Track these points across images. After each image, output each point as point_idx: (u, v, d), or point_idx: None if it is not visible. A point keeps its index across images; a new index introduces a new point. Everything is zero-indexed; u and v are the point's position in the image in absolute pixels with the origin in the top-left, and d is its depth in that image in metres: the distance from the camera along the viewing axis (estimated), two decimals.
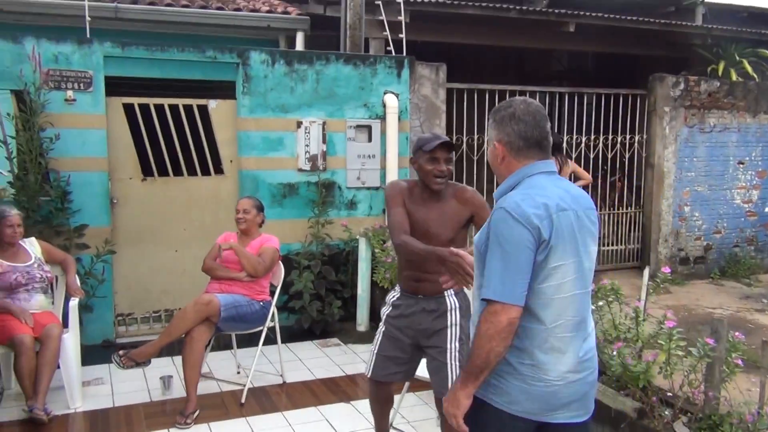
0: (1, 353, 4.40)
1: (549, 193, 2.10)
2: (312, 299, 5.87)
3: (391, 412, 3.69)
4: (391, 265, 5.45)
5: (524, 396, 2.11)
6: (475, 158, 7.25)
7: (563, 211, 2.09)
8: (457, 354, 3.11)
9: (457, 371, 3.05)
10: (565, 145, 7.54)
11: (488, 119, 2.28)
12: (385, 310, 3.32)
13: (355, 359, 5.37)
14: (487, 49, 8.66)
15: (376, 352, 3.29)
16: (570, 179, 6.98)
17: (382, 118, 6.37)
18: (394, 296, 3.31)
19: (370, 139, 6.37)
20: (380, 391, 3.43)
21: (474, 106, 7.02)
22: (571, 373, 2.13)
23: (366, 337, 5.69)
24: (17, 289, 4.38)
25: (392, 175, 6.34)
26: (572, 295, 2.11)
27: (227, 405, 4.47)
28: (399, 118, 6.37)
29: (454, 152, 3.17)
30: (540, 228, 2.02)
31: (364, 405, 4.45)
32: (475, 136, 7.19)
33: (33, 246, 4.61)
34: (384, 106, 6.35)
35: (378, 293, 5.96)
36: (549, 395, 2.11)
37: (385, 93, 6.36)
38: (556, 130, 8.17)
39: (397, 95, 6.38)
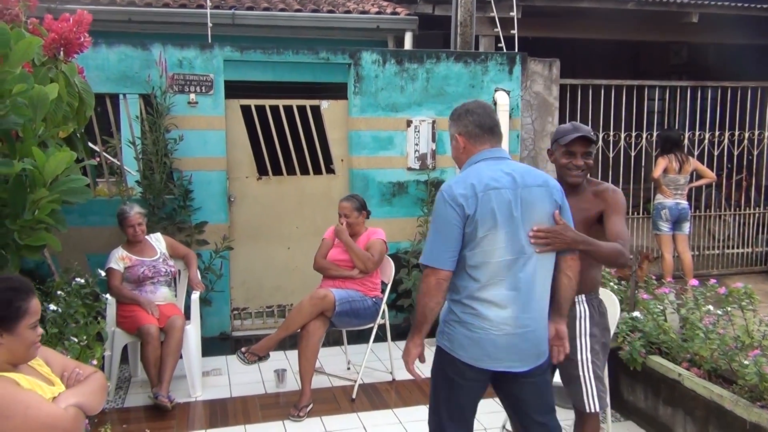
0: (129, 342, 4.65)
1: (482, 176, 2.48)
2: None
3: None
4: None
5: (468, 341, 2.50)
6: None
7: (494, 189, 2.45)
8: (590, 365, 2.92)
9: (593, 383, 2.91)
10: (686, 142, 7.15)
11: (449, 120, 2.71)
12: None
13: None
14: (598, 43, 8.35)
15: None
16: (692, 177, 6.61)
17: None
18: None
19: None
20: None
21: (588, 102, 6.78)
22: (509, 326, 2.48)
23: None
24: (144, 281, 4.62)
25: None
26: (504, 260, 2.46)
27: (338, 400, 4.53)
28: (510, 116, 6.23)
29: (593, 146, 3.03)
30: (464, 206, 2.43)
31: None
32: None
33: (159, 241, 4.85)
34: (495, 103, 6.23)
35: None
36: (488, 342, 2.48)
37: (496, 90, 6.24)
38: (676, 127, 7.76)
39: (508, 92, 6.25)
